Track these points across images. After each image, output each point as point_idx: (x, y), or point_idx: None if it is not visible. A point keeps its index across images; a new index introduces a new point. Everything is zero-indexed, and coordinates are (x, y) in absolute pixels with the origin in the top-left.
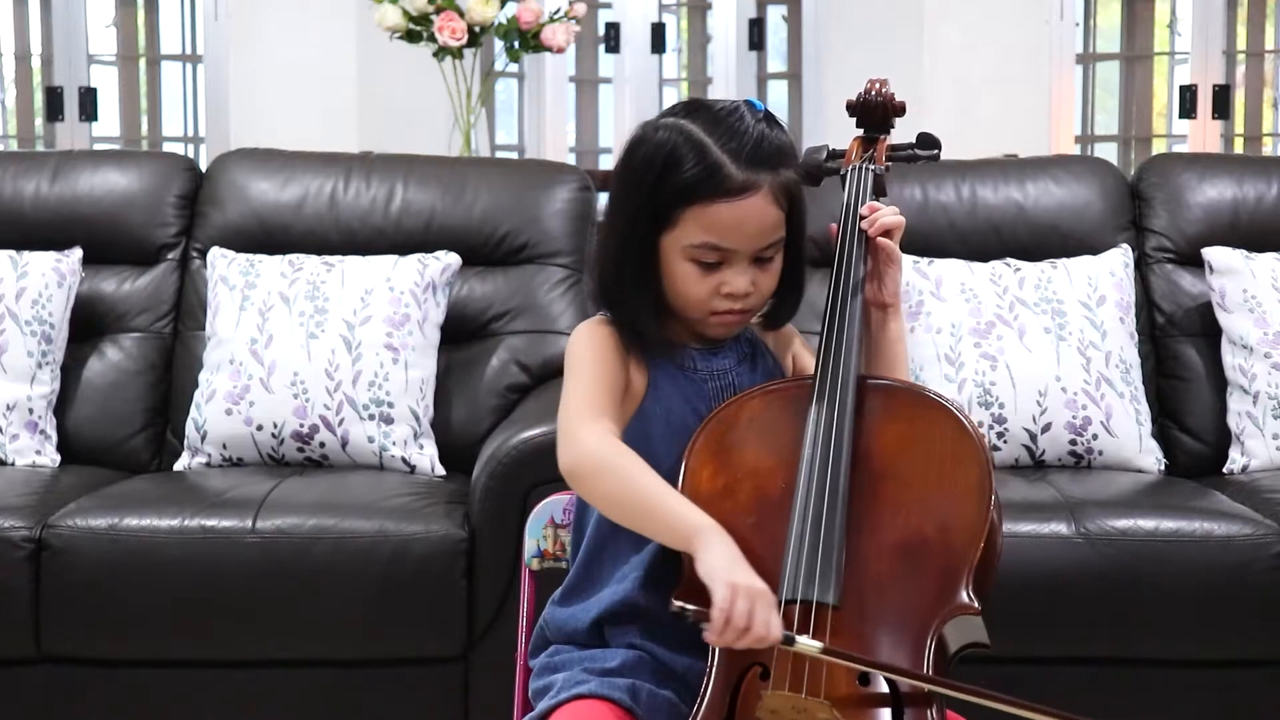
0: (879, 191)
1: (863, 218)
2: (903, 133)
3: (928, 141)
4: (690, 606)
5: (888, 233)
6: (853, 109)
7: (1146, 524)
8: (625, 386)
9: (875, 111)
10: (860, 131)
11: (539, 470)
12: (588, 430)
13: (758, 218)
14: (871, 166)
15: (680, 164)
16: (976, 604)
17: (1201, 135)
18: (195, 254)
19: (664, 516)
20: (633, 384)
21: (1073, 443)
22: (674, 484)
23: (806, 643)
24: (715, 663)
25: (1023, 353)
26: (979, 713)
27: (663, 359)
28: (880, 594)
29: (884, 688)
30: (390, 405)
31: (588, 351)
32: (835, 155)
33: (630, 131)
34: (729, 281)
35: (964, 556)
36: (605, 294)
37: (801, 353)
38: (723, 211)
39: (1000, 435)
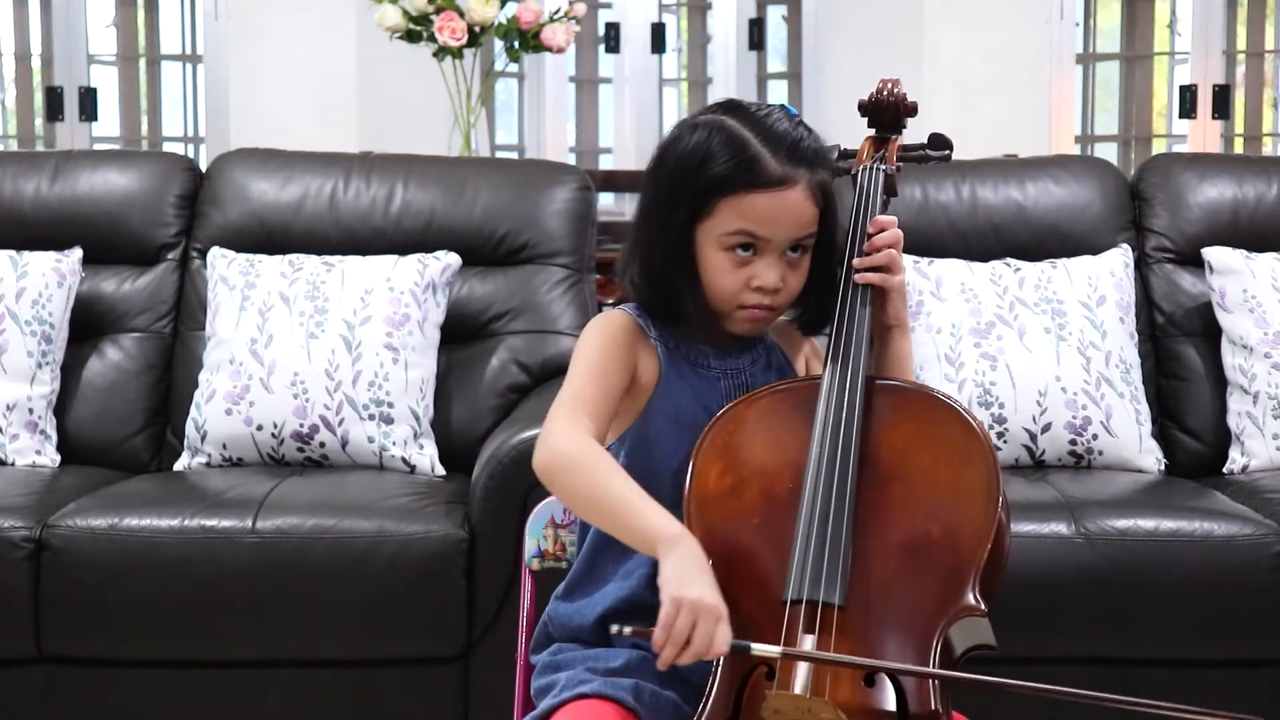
0: (890, 192)
1: (867, 253)
2: (906, 134)
3: (939, 142)
4: (627, 629)
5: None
6: (864, 109)
7: (1146, 524)
8: (628, 384)
9: (887, 111)
10: (872, 131)
11: None
12: (563, 429)
13: (794, 210)
14: (883, 166)
15: (719, 156)
16: (983, 606)
17: (1201, 135)
18: (195, 254)
19: (632, 521)
20: (644, 376)
21: (1073, 443)
22: (681, 482)
23: (762, 649)
24: (720, 663)
25: (1023, 353)
26: (984, 713)
27: (678, 354)
28: (886, 595)
29: (889, 689)
30: (390, 405)
31: (593, 346)
32: (846, 155)
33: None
34: (760, 275)
35: (971, 558)
36: (646, 279)
37: (813, 358)
38: (759, 201)
39: (1000, 435)
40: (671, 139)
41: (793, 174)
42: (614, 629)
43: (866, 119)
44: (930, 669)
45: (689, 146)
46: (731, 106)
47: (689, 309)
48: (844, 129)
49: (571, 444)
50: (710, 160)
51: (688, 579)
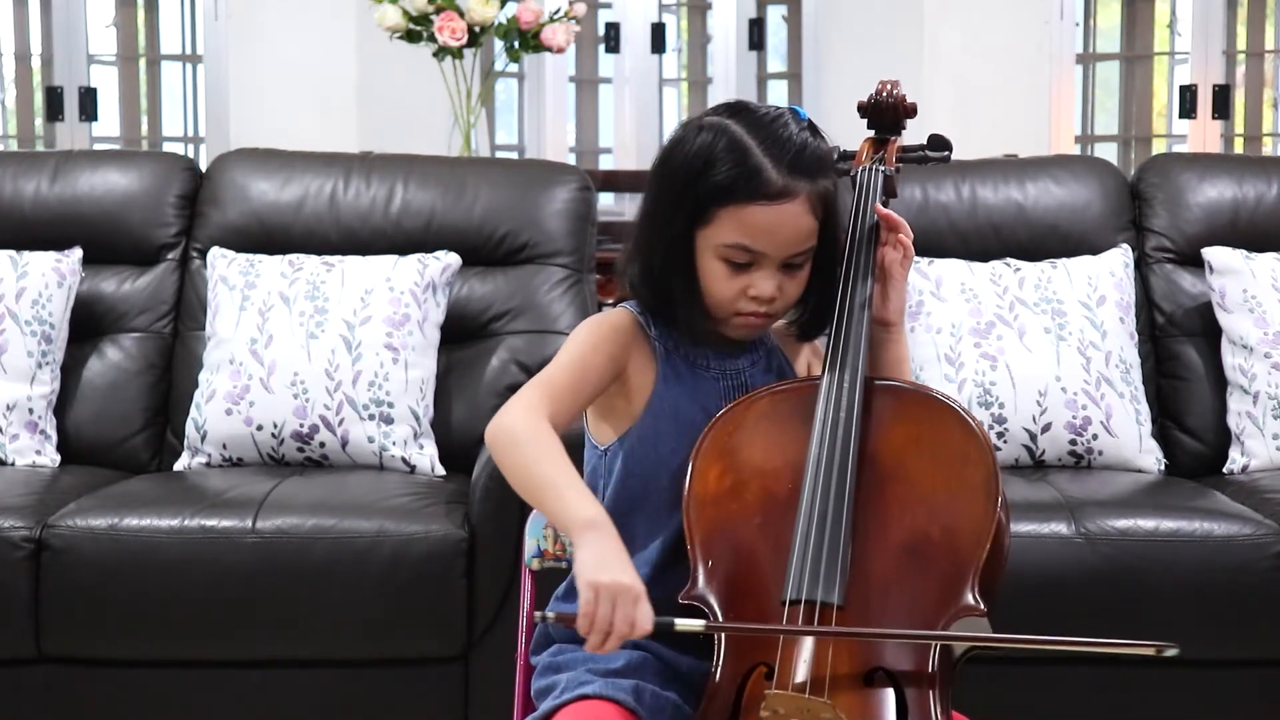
0: (889, 193)
1: (897, 230)
2: (906, 135)
3: (939, 143)
4: (550, 615)
5: (894, 256)
6: (864, 110)
7: (1146, 524)
8: (610, 381)
9: (886, 113)
10: (871, 133)
11: None
12: (521, 407)
13: (792, 224)
14: (882, 168)
15: (721, 163)
16: (982, 606)
17: (1201, 135)
18: (195, 254)
19: (556, 503)
20: (640, 376)
21: (1073, 443)
22: (681, 482)
23: (687, 623)
24: (720, 663)
25: (1023, 353)
26: (983, 714)
27: (677, 354)
28: (885, 595)
29: (889, 689)
30: (390, 405)
31: (580, 339)
32: (846, 156)
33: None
34: (756, 285)
35: (970, 558)
36: (645, 281)
37: (814, 359)
38: (758, 214)
39: (1000, 435)
40: (676, 140)
41: (793, 186)
42: (536, 615)
43: (866, 120)
44: (933, 632)
45: (692, 150)
46: (738, 109)
47: (681, 315)
48: (844, 130)
49: (520, 421)
50: (711, 167)
51: (603, 563)
